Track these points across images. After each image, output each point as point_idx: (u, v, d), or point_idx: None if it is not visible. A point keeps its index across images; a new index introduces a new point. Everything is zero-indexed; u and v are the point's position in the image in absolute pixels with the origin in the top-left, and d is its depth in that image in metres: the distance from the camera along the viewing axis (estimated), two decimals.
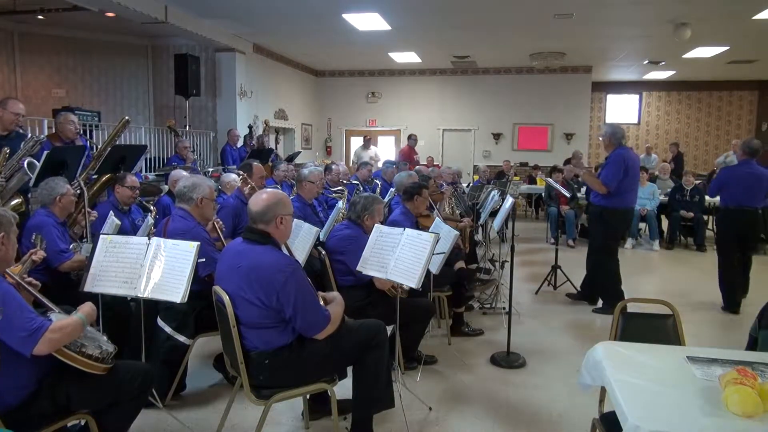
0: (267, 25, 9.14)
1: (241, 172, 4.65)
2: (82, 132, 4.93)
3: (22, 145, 3.79)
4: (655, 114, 15.06)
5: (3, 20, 9.25)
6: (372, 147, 11.99)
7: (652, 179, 9.44)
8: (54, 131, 4.91)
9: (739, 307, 5.19)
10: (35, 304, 2.23)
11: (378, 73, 13.92)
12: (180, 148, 7.45)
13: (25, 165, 3.71)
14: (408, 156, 10.87)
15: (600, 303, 5.24)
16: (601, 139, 5.04)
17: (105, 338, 2.27)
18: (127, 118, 4.79)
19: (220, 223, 3.64)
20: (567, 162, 11.23)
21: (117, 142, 4.60)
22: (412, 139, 11.31)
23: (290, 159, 9.20)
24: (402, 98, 13.91)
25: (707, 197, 8.16)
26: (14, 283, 2.18)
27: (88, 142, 5.18)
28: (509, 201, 5.10)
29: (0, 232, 2.11)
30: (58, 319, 2.09)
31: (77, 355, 2.09)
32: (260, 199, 2.49)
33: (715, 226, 6.01)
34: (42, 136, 4.37)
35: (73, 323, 2.10)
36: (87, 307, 2.23)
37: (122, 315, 3.15)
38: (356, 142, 14.51)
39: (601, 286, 5.17)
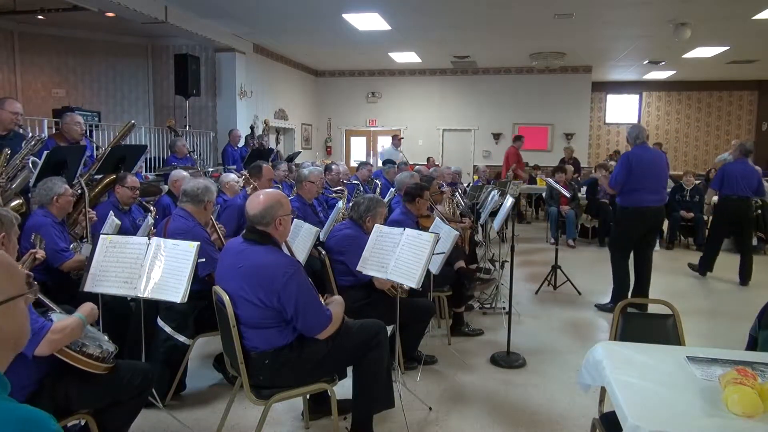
0: (267, 25, 9.14)
1: (244, 173, 4.65)
2: (87, 134, 4.93)
3: (23, 145, 3.79)
4: (655, 114, 15.05)
5: (3, 20, 9.25)
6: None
7: None
8: (57, 131, 4.91)
9: (711, 270, 6.47)
10: (36, 304, 2.24)
11: (378, 73, 13.92)
12: (178, 147, 7.45)
13: (30, 164, 3.72)
14: (514, 157, 10.63)
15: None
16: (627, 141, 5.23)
17: (106, 338, 2.27)
18: (132, 122, 4.79)
19: (220, 225, 3.64)
20: (562, 161, 11.22)
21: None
22: (519, 140, 10.92)
23: (290, 159, 9.21)
24: (402, 98, 13.91)
25: (707, 198, 8.21)
26: None
27: (92, 143, 5.18)
28: (509, 201, 5.10)
29: (0, 232, 2.12)
30: (58, 319, 2.09)
31: (78, 354, 2.09)
32: (257, 202, 2.48)
33: (711, 214, 6.86)
34: (43, 135, 4.37)
35: (74, 324, 2.10)
36: (87, 307, 2.23)
37: (122, 315, 3.15)
38: (356, 142, 14.51)
39: (614, 284, 5.20)
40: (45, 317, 2.07)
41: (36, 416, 0.96)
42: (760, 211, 7.81)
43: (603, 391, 2.24)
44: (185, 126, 9.45)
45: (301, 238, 3.60)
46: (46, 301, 2.24)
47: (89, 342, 2.15)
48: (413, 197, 4.32)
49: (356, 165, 8.05)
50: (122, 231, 3.77)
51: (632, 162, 4.86)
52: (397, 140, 10.95)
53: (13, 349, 1.11)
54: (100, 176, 4.34)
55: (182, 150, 7.45)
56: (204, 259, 3.01)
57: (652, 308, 2.65)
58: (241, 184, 4.84)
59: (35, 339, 1.96)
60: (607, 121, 15.13)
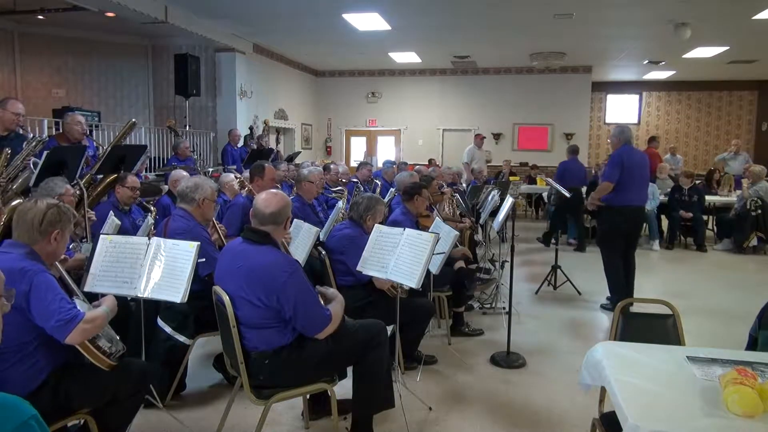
0: (267, 25, 9.14)
1: (239, 176, 4.64)
2: (88, 133, 4.93)
3: (24, 145, 3.79)
4: (655, 114, 15.05)
5: (3, 20, 9.25)
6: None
7: (652, 179, 9.43)
8: (58, 131, 4.91)
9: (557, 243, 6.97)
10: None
11: (378, 73, 13.92)
12: (181, 149, 7.45)
13: (31, 164, 3.72)
14: (657, 158, 10.08)
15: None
16: (609, 141, 5.19)
17: (117, 337, 2.31)
18: (133, 120, 4.79)
19: (221, 225, 3.63)
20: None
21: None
22: (656, 140, 10.62)
23: (290, 159, 9.20)
24: (402, 98, 13.91)
25: (707, 197, 8.30)
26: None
27: (95, 143, 5.17)
28: (509, 201, 5.10)
29: (56, 229, 2.19)
30: (80, 305, 2.17)
31: (89, 344, 2.13)
32: (274, 200, 2.48)
33: (555, 202, 8.17)
34: (44, 135, 4.37)
35: (103, 316, 2.19)
36: (111, 302, 2.30)
37: (122, 315, 3.14)
38: (356, 142, 14.51)
39: (609, 284, 5.21)
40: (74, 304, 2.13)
41: (7, 407, 0.97)
42: (760, 211, 7.82)
43: (603, 391, 2.24)
44: (185, 126, 9.45)
45: (301, 238, 3.59)
46: (72, 284, 2.27)
47: (103, 335, 2.20)
48: (411, 195, 4.32)
49: (356, 165, 8.05)
50: (122, 231, 3.76)
51: (624, 159, 4.98)
52: (479, 140, 10.62)
53: None
54: (100, 176, 4.34)
55: (185, 152, 7.45)
56: (204, 259, 3.01)
57: (653, 308, 2.65)
58: (237, 187, 4.83)
59: (69, 326, 2.04)
60: (607, 121, 15.13)
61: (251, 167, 4.62)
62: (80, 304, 2.18)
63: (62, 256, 2.50)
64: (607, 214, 5.21)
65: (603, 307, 5.24)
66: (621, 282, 5.08)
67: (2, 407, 0.98)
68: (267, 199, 2.51)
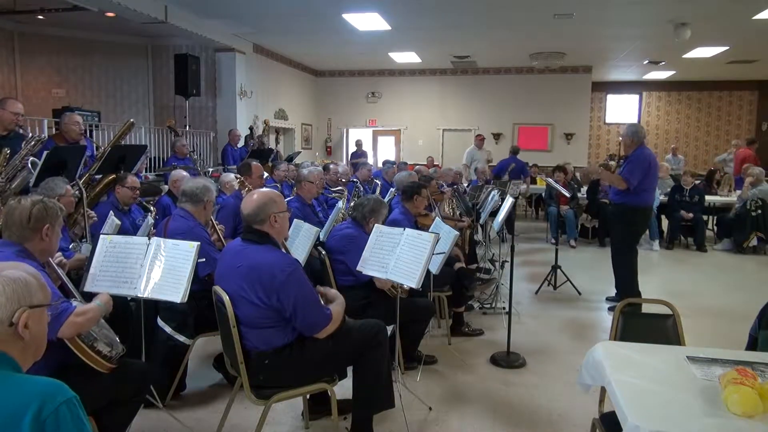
0: (267, 25, 9.14)
1: (238, 176, 4.65)
2: (87, 134, 4.92)
3: (23, 145, 3.79)
4: (655, 114, 15.05)
5: (3, 20, 9.25)
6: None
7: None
8: (57, 131, 4.90)
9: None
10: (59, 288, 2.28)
11: (378, 73, 13.91)
12: (179, 147, 7.45)
13: (29, 164, 3.71)
14: (754, 161, 9.75)
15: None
16: (621, 138, 5.11)
17: (117, 339, 2.30)
18: (132, 120, 4.79)
19: (220, 225, 3.64)
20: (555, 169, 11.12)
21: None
22: (754, 143, 10.33)
23: (290, 159, 9.21)
24: (402, 98, 13.91)
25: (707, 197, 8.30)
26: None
27: (93, 144, 5.17)
28: (509, 201, 5.11)
29: (46, 224, 2.19)
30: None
31: (87, 347, 2.12)
32: (251, 200, 2.49)
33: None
34: (43, 135, 4.37)
35: (95, 309, 2.17)
36: (105, 296, 2.30)
37: (122, 315, 3.15)
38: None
39: (620, 283, 5.15)
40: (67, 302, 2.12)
41: (55, 385, 1.17)
42: (760, 212, 7.82)
43: (603, 391, 2.24)
44: (185, 126, 9.45)
45: (301, 238, 3.60)
46: (70, 286, 2.26)
47: (101, 338, 2.19)
48: (411, 195, 4.32)
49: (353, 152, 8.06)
50: (122, 231, 3.76)
51: (650, 160, 4.87)
52: (479, 140, 10.74)
53: (33, 355, 1.30)
54: (100, 176, 4.34)
55: (182, 150, 7.46)
56: (204, 259, 3.01)
57: (653, 308, 2.65)
58: (236, 186, 4.85)
59: (59, 320, 2.00)
60: (607, 121, 15.14)
61: (239, 167, 4.63)
62: (78, 305, 2.17)
63: (61, 259, 2.49)
64: (633, 215, 4.98)
65: (609, 303, 5.24)
66: (636, 285, 5.04)
67: (52, 385, 1.17)
68: (245, 201, 2.53)
